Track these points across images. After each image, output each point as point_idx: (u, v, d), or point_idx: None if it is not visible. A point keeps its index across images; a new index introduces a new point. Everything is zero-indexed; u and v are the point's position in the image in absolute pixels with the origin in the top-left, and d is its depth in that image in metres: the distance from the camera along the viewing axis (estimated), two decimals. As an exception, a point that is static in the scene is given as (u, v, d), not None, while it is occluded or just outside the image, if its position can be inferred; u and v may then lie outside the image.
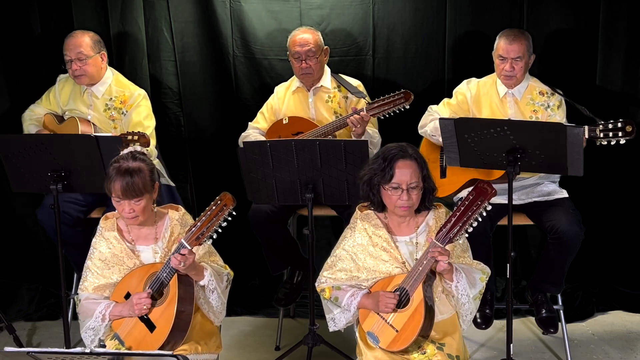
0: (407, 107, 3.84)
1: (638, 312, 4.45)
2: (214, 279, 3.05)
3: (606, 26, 4.32)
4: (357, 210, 3.19)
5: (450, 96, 4.09)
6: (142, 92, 4.18)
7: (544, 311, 3.97)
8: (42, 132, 4.19)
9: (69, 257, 4.02)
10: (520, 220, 3.93)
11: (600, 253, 4.53)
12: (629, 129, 3.41)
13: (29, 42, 4.52)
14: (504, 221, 3.68)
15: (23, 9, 4.49)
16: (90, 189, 3.64)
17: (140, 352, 2.87)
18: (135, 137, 3.64)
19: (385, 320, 2.98)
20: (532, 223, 3.94)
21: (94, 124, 4.11)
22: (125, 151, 3.10)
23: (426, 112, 4.08)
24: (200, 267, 3.05)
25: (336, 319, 3.14)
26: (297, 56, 4.05)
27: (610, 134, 3.44)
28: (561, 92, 3.92)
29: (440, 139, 3.65)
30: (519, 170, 3.43)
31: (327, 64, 4.18)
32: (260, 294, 4.63)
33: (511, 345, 3.55)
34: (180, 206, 3.25)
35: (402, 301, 2.95)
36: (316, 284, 3.20)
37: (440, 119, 3.62)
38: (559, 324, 3.95)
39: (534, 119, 3.88)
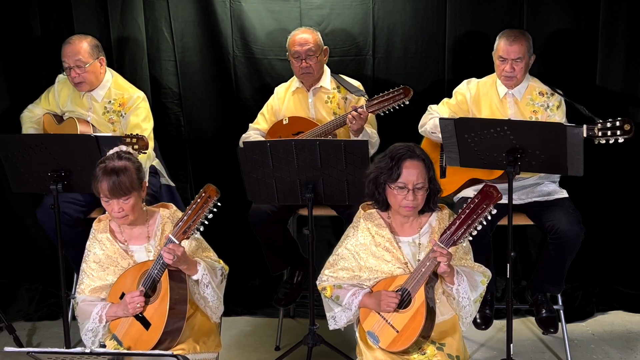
0: (407, 102, 3.84)
1: (638, 312, 4.44)
2: (207, 273, 3.06)
3: (606, 26, 4.32)
4: (360, 209, 3.18)
5: (450, 96, 4.09)
6: (141, 94, 4.17)
7: (544, 311, 3.97)
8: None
9: (68, 257, 4.01)
10: (520, 220, 3.92)
11: (600, 253, 4.53)
12: (627, 127, 3.41)
13: (29, 42, 4.52)
14: (504, 221, 3.67)
15: (23, 9, 4.49)
16: (90, 189, 3.61)
17: (141, 352, 2.87)
18: (134, 140, 3.63)
19: (386, 320, 2.98)
20: (532, 223, 3.93)
21: (92, 125, 4.11)
22: (111, 151, 3.12)
23: (426, 112, 4.08)
24: (193, 261, 3.06)
25: (337, 318, 3.14)
26: (296, 56, 4.04)
27: (609, 133, 3.44)
28: (561, 92, 3.92)
29: (440, 136, 3.65)
30: (519, 170, 3.43)
31: (327, 64, 4.18)
32: (260, 294, 4.63)
33: (511, 345, 3.55)
34: (171, 204, 3.27)
35: (404, 302, 2.95)
36: (317, 282, 3.20)
37: (440, 119, 3.62)
38: (559, 324, 3.95)
39: (533, 120, 3.88)
